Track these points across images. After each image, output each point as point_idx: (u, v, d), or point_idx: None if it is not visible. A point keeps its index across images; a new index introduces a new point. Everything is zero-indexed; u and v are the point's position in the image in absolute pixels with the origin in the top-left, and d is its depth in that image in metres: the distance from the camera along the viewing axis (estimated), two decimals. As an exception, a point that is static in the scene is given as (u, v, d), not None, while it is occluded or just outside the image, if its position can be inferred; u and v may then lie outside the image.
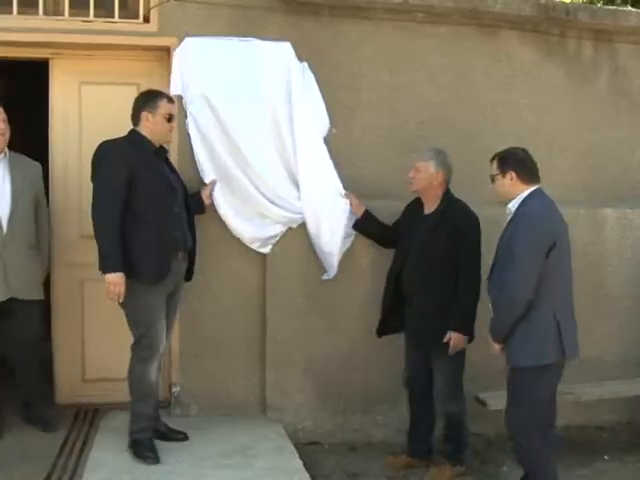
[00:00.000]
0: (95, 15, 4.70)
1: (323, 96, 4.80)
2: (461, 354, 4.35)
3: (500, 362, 4.74)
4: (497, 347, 3.85)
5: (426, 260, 4.27)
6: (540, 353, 3.69)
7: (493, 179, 3.89)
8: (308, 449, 4.73)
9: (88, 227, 4.13)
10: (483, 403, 4.66)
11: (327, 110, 4.81)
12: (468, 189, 4.61)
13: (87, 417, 4.77)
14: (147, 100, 4.19)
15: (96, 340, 4.89)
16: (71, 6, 4.68)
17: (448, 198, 4.33)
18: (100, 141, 4.13)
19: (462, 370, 4.40)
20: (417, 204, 4.46)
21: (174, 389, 4.84)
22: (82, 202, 4.70)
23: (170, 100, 4.26)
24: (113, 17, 4.73)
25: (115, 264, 3.97)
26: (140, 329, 4.14)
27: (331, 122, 4.80)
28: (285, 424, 4.81)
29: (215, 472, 4.05)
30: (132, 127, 4.20)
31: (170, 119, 4.22)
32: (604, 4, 8.06)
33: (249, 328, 4.86)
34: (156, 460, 4.13)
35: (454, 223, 4.23)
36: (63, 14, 4.68)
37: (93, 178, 4.11)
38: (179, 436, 4.45)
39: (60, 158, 4.81)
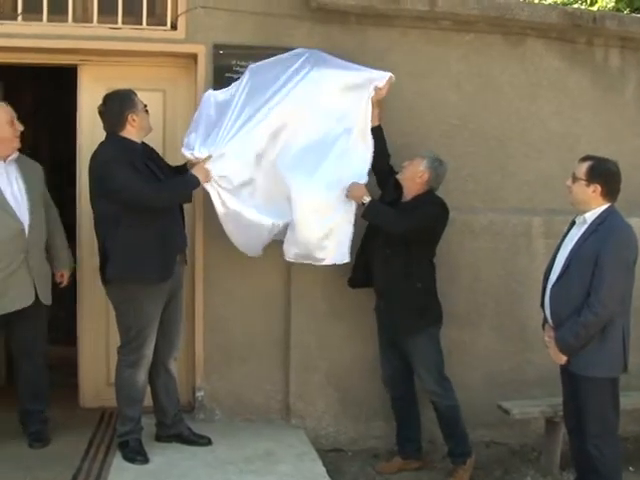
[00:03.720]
0: (123, 22, 4.73)
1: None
2: (435, 341, 4.42)
3: (529, 371, 4.92)
4: (564, 358, 3.82)
5: (391, 248, 4.39)
6: (612, 365, 3.75)
7: (575, 180, 3.83)
8: (331, 456, 4.75)
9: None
10: (506, 412, 4.65)
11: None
12: (495, 197, 4.59)
13: (111, 420, 4.76)
14: (125, 102, 4.16)
15: (121, 344, 4.92)
16: (99, 13, 4.71)
17: (426, 196, 4.43)
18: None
19: (441, 359, 4.45)
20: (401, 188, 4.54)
21: (198, 394, 4.85)
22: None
23: (134, 92, 4.24)
24: (141, 24, 4.75)
25: None
26: (131, 333, 4.16)
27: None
28: (308, 430, 4.84)
29: (239, 477, 4.07)
30: (110, 133, 4.18)
31: (147, 109, 4.26)
32: (631, 12, 7.99)
33: (273, 334, 4.88)
34: (145, 461, 4.17)
35: (419, 208, 4.35)
36: (92, 21, 4.71)
37: (107, 187, 4.04)
38: (203, 441, 4.47)
39: (87, 163, 4.80)
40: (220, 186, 4.32)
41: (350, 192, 4.41)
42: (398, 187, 4.53)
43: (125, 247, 4.06)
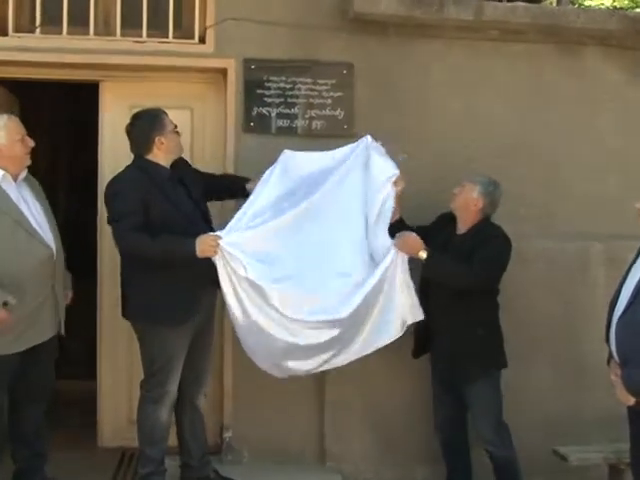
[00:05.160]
0: (148, 35, 4.63)
1: (390, 122, 4.61)
2: (495, 387, 4.13)
3: (589, 413, 4.69)
4: (633, 399, 3.42)
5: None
6: None
7: None
8: (369, 502, 4.51)
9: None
10: (564, 458, 4.33)
11: (394, 137, 4.51)
12: (550, 222, 4.35)
13: (132, 461, 4.54)
14: (153, 123, 3.96)
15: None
16: (123, 26, 4.60)
17: (484, 223, 4.15)
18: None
19: (500, 406, 4.15)
20: (451, 219, 4.25)
21: (226, 434, 4.64)
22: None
23: (165, 112, 4.04)
24: (167, 37, 4.64)
25: None
26: (154, 367, 3.97)
27: (400, 149, 4.44)
28: (344, 474, 4.59)
29: (268, 526, 3.84)
30: (136, 156, 4.00)
31: (177, 130, 4.06)
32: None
33: (306, 371, 4.62)
34: None
35: (484, 238, 4.05)
36: (114, 34, 4.61)
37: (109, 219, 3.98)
38: (229, 484, 4.26)
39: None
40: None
41: (404, 245, 3.94)
42: (442, 222, 4.27)
43: (144, 288, 3.89)
